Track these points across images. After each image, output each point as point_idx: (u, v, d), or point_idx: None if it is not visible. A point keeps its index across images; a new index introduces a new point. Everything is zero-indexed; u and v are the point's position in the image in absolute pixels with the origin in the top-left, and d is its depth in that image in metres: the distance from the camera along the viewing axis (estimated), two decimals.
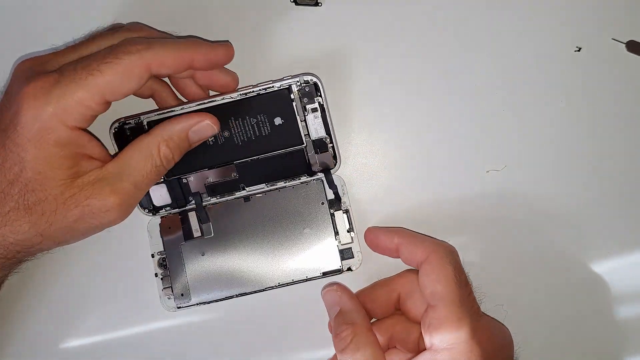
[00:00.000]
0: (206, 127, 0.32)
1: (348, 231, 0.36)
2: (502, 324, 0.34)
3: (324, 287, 0.35)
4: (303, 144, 0.36)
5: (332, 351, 0.34)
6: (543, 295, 0.37)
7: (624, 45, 0.36)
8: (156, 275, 0.37)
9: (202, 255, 0.37)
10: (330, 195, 0.36)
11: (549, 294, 0.37)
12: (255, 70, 0.36)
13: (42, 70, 0.29)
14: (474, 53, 0.36)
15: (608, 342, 0.37)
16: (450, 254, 0.32)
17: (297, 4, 0.36)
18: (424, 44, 0.36)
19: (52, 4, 0.37)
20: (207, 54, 0.31)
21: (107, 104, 0.30)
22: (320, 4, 0.36)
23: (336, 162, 0.36)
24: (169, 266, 0.37)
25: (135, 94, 0.32)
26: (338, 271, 0.36)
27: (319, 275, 0.36)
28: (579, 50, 0.36)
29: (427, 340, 0.30)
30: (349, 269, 0.36)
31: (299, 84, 0.34)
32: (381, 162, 0.37)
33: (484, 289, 0.35)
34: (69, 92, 0.28)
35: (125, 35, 0.31)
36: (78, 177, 0.29)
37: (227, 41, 0.35)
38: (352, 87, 0.37)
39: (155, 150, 0.30)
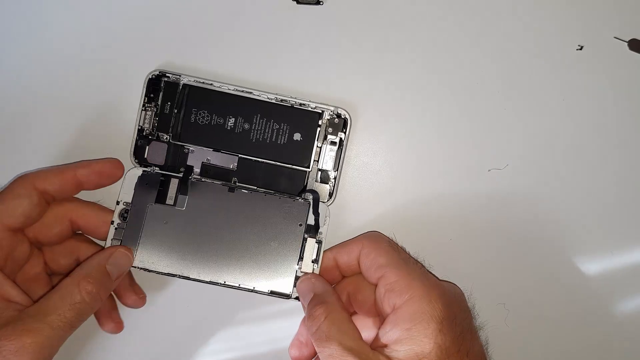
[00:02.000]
0: (121, 257, 0.33)
1: (312, 261, 0.35)
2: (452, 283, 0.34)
3: (299, 279, 0.34)
4: (309, 168, 0.37)
5: None
6: (544, 294, 0.36)
7: (626, 43, 0.35)
8: (112, 222, 0.36)
9: (165, 224, 0.36)
10: (311, 220, 0.36)
11: (551, 293, 0.36)
12: (254, 69, 0.37)
13: None
14: (475, 52, 0.37)
15: (608, 340, 0.37)
16: (380, 236, 0.35)
17: (298, 2, 0.37)
18: (425, 43, 0.37)
19: None
20: (91, 166, 0.34)
21: (15, 231, 0.32)
22: (321, 3, 0.37)
23: (330, 198, 0.37)
24: (128, 220, 0.36)
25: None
26: (287, 296, 0.35)
27: (266, 292, 0.35)
28: (581, 49, 0.36)
29: (388, 307, 0.31)
30: (297, 298, 0.35)
31: (331, 113, 0.37)
32: (382, 161, 0.37)
33: (485, 288, 0.34)
34: None
35: None
36: None
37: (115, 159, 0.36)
38: (352, 85, 0.37)
39: (75, 289, 0.30)
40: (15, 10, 0.38)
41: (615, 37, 0.36)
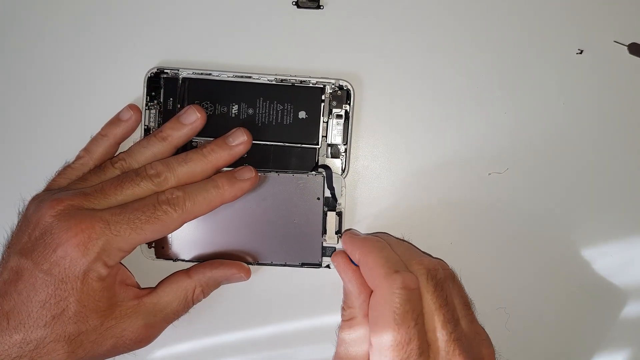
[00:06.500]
0: (239, 278, 0.36)
1: (336, 233, 0.37)
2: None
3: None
4: (318, 145, 0.38)
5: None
6: (545, 298, 0.37)
7: (626, 47, 0.36)
8: None
9: None
10: (328, 193, 0.37)
11: (551, 297, 0.37)
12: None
13: (83, 210, 0.31)
14: (476, 56, 0.37)
15: (609, 344, 0.38)
16: (398, 292, 0.30)
17: (298, 6, 0.37)
18: (425, 47, 0.37)
19: None
20: (237, 194, 0.34)
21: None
22: (321, 7, 0.38)
23: (343, 172, 0.38)
24: None
25: None
26: (317, 265, 0.37)
27: (297, 264, 0.37)
28: (580, 53, 0.37)
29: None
30: (328, 267, 0.38)
31: (333, 86, 0.37)
32: (383, 164, 0.38)
33: (485, 292, 0.35)
34: (114, 243, 0.31)
35: (149, 186, 0.33)
36: (116, 307, 0.32)
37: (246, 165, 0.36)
38: (354, 89, 0.37)
39: (190, 293, 0.35)
40: (12, 14, 0.37)
41: (615, 41, 0.36)
